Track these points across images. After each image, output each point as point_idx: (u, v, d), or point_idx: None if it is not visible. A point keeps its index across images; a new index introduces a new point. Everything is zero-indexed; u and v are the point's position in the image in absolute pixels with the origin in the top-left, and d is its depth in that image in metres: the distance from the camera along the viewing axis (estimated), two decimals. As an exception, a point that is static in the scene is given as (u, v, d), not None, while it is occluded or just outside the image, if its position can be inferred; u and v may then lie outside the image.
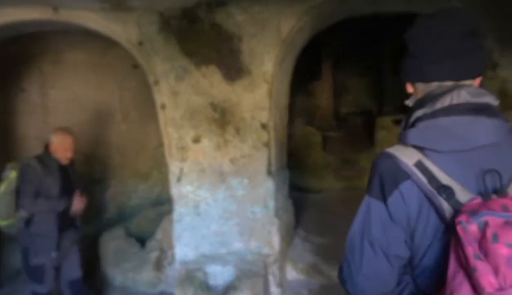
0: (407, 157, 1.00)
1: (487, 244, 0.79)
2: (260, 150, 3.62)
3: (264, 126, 3.62)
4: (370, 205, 1.06)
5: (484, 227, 0.81)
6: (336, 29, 9.00)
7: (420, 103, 1.07)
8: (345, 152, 7.50)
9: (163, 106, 3.58)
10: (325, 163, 6.81)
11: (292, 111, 9.60)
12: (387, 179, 1.01)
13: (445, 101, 1.00)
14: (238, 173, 3.65)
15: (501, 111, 0.99)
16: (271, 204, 3.66)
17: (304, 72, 9.56)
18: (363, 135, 8.57)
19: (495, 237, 0.79)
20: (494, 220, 0.81)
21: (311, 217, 5.42)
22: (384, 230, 1.03)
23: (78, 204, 3.23)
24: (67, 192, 3.17)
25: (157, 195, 6.27)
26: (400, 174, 0.99)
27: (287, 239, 4.07)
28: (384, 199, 1.02)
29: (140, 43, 3.46)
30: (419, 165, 0.97)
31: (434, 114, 1.00)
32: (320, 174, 6.68)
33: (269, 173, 3.68)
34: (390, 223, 1.02)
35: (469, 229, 0.83)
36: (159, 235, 4.46)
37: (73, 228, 3.32)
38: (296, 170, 6.68)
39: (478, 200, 0.90)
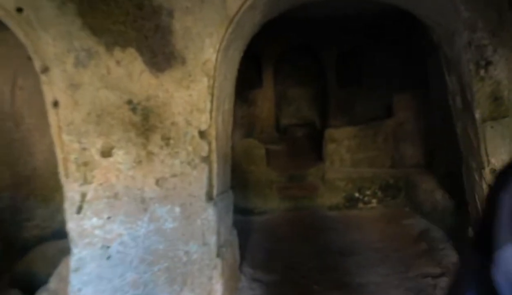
0: None
1: None
2: (198, 167, 2.70)
3: (203, 134, 2.72)
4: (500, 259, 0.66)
5: None
6: (276, 35, 8.54)
7: None
8: (290, 167, 6.82)
9: (55, 104, 2.51)
10: (269, 179, 6.05)
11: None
12: None
13: None
14: (167, 199, 2.69)
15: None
16: (212, 239, 2.74)
17: (243, 78, 8.84)
18: (308, 149, 8.00)
19: None
20: None
21: (257, 247, 4.58)
22: None
23: None
24: None
25: (60, 222, 4.97)
26: None
27: (232, 283, 3.16)
28: None
29: (19, 10, 2.38)
30: None
31: None
32: (263, 192, 5.89)
33: (209, 198, 2.77)
34: None
35: None
36: (53, 283, 3.28)
37: None
38: (236, 189, 5.83)
39: None
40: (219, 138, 2.92)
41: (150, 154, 2.65)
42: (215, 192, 2.84)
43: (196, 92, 2.65)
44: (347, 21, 7.48)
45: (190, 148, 2.69)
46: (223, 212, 2.98)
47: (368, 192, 5.72)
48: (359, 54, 9.01)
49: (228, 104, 3.19)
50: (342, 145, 6.10)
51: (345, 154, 6.08)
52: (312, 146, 8.10)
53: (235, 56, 3.07)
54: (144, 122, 2.63)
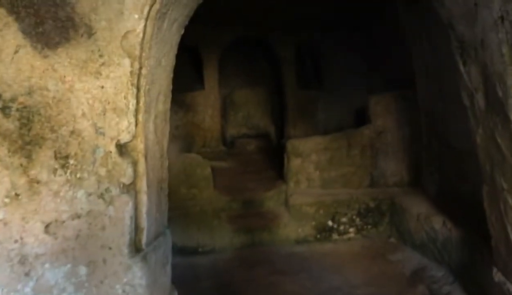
0: None
1: None
2: (116, 201, 1.98)
3: (124, 150, 2.01)
4: None
5: None
6: (220, 25, 7.95)
7: None
8: (243, 190, 6.19)
9: None
10: (217, 207, 5.37)
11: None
12: None
13: None
14: (65, 255, 1.93)
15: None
16: (141, 316, 2.01)
17: (178, 76, 8.11)
18: (263, 166, 7.45)
19: None
20: None
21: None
22: None
23: None
24: None
25: None
26: None
27: None
28: None
29: None
30: None
31: None
32: (210, 224, 5.19)
33: (135, 249, 2.06)
34: None
35: None
36: None
37: None
38: (172, 221, 5.08)
39: None
40: (151, 156, 2.22)
41: (34, 182, 1.87)
42: (144, 238, 2.11)
43: (112, 83, 1.94)
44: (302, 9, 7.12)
45: (102, 172, 1.96)
46: (157, 268, 2.26)
47: (344, 219, 5.25)
48: (317, 50, 8.72)
49: (163, 104, 2.50)
50: (310, 161, 5.59)
51: (314, 172, 5.58)
52: (268, 162, 7.56)
53: (174, 31, 2.40)
54: (24, 131, 1.86)
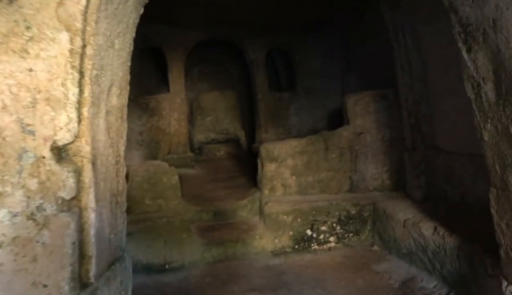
0: None
1: None
2: (52, 223, 1.48)
3: (63, 154, 1.52)
4: None
5: None
6: (185, 24, 7.47)
7: None
8: (213, 199, 5.71)
9: None
10: (186, 218, 4.86)
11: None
12: None
13: None
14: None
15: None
16: None
17: (143, 80, 7.56)
18: (234, 172, 6.98)
19: None
20: None
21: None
22: None
23: None
24: None
25: None
26: None
27: None
28: None
29: None
30: None
31: None
32: (179, 237, 4.66)
33: (82, 283, 1.56)
34: None
35: None
36: None
37: None
38: (136, 236, 4.54)
39: None
40: (102, 162, 1.73)
41: None
42: (93, 269, 1.62)
43: (44, 65, 1.45)
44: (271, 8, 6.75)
45: (32, 184, 1.46)
46: (112, 306, 1.76)
47: (323, 228, 4.85)
48: (289, 52, 8.37)
49: (118, 98, 2.01)
50: (285, 166, 5.17)
51: (290, 178, 5.16)
52: (239, 169, 7.10)
53: (130, 6, 1.92)
54: None
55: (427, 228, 3.85)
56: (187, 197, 5.57)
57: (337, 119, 5.91)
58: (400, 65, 4.61)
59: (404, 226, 4.20)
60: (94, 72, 1.61)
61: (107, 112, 1.89)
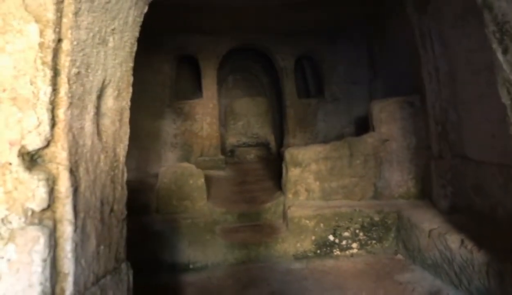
0: None
1: None
2: (18, 238, 1.21)
3: (36, 160, 1.25)
4: None
5: None
6: (218, 33, 7.25)
7: None
8: (239, 201, 5.41)
9: None
10: (211, 220, 4.57)
11: (158, 139, 7.24)
12: None
13: None
14: None
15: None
16: None
17: (178, 86, 7.39)
18: (262, 176, 6.65)
19: None
20: None
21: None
22: None
23: None
24: None
25: None
26: None
27: None
28: None
29: None
30: None
31: None
32: (203, 238, 4.39)
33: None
34: None
35: None
36: None
37: None
38: (162, 236, 4.31)
39: None
40: (88, 168, 1.45)
41: None
42: (69, 288, 1.33)
43: (9, 60, 1.19)
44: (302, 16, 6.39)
45: (-6, 193, 1.19)
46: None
47: (346, 234, 4.43)
48: (318, 60, 7.97)
49: (115, 100, 1.73)
50: (309, 171, 4.79)
51: (313, 182, 4.77)
52: (267, 172, 6.76)
53: (128, 1, 1.63)
54: None
55: (454, 240, 3.37)
56: (214, 198, 5.29)
57: (364, 125, 5.47)
58: (427, 71, 4.14)
59: (429, 236, 3.73)
60: (75, 70, 1.34)
61: (101, 115, 1.62)
